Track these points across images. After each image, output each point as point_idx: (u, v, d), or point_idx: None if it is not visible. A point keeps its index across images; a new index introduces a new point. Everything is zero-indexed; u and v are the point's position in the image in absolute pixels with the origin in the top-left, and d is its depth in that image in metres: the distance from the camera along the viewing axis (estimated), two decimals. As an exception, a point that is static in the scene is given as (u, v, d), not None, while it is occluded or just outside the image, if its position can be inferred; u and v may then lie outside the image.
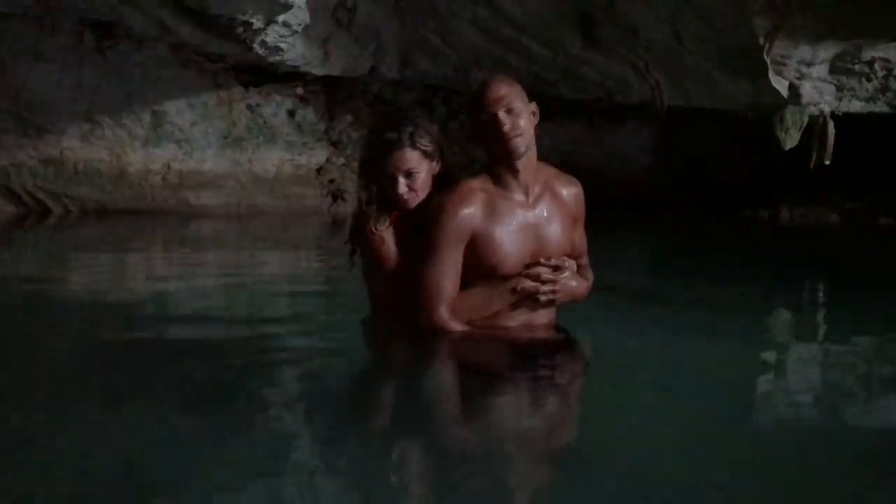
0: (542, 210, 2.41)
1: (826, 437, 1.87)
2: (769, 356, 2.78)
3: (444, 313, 2.35)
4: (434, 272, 2.34)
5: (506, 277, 2.38)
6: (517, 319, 2.43)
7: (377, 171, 2.45)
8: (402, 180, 2.41)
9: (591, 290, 2.56)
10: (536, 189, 2.41)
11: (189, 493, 1.49)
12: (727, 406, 2.11)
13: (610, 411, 2.03)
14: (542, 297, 2.39)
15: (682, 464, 1.64)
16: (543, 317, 2.47)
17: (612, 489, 1.51)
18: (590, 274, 2.57)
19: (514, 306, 2.41)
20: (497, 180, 2.38)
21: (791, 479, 1.58)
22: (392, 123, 2.48)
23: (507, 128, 2.29)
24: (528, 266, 2.40)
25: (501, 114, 2.30)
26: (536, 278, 2.38)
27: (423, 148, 2.43)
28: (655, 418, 1.94)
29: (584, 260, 2.58)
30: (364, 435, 1.83)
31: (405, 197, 2.43)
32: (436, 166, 2.49)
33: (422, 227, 2.40)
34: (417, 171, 2.42)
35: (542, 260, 2.39)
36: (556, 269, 2.39)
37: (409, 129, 2.44)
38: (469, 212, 2.34)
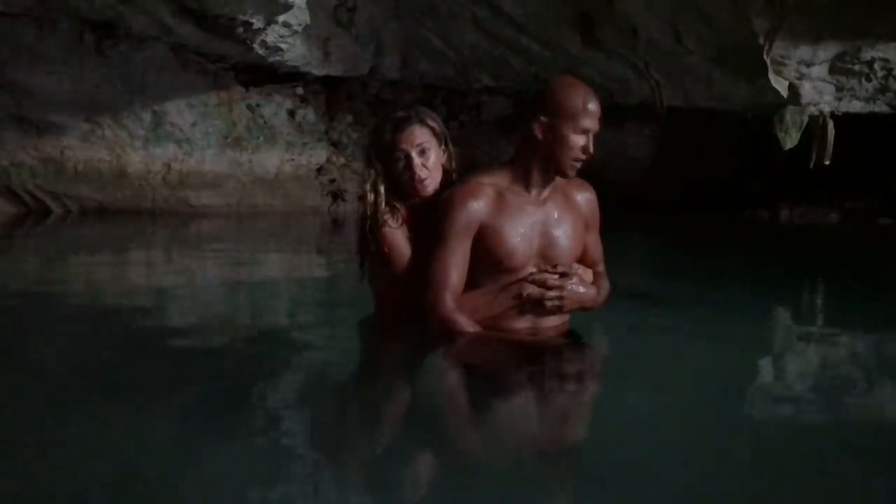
0: (552, 210, 2.41)
1: (827, 435, 1.87)
2: (769, 355, 2.79)
3: (448, 302, 2.34)
4: (441, 262, 2.34)
5: (512, 273, 2.37)
6: (524, 323, 2.42)
7: (389, 154, 2.44)
8: (416, 158, 2.42)
9: (607, 299, 2.52)
10: (548, 189, 2.41)
11: (189, 493, 1.49)
12: (727, 406, 2.11)
13: (610, 411, 2.03)
14: (548, 304, 2.38)
15: (683, 463, 1.65)
16: (553, 321, 2.45)
17: (612, 489, 1.51)
18: (605, 283, 2.53)
19: (521, 311, 2.40)
20: (509, 177, 2.39)
21: (792, 478, 1.59)
22: (399, 108, 2.56)
23: None
24: (535, 272, 2.39)
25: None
26: (542, 284, 2.37)
27: (431, 125, 2.48)
28: (656, 418, 1.94)
29: (600, 268, 2.55)
30: (365, 436, 1.83)
31: (421, 176, 2.43)
32: (443, 154, 2.50)
33: (431, 223, 2.39)
34: (429, 147, 2.45)
35: (549, 267, 2.38)
36: (564, 275, 2.38)
37: (416, 108, 2.52)
38: (478, 205, 2.34)
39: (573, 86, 2.36)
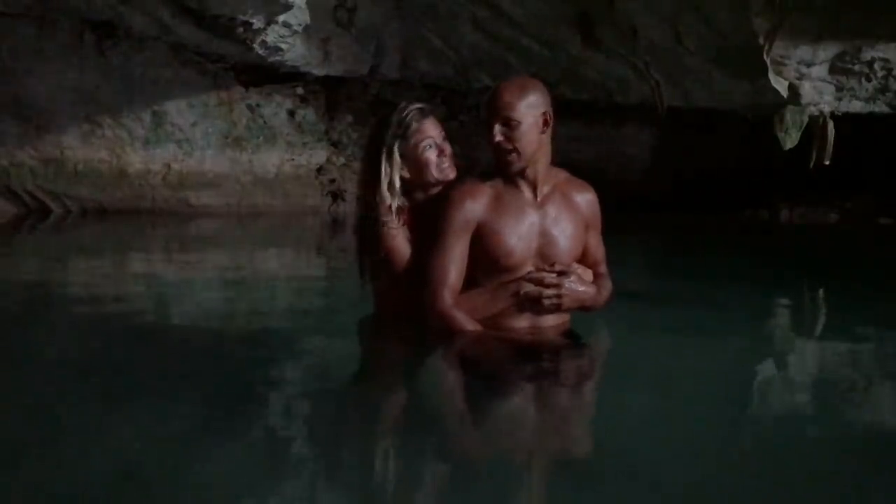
0: (551, 210, 2.41)
1: (827, 435, 1.87)
2: (769, 356, 2.78)
3: (447, 299, 2.35)
4: (439, 260, 2.35)
5: (510, 272, 2.38)
6: (523, 322, 2.42)
7: (418, 142, 2.44)
8: (442, 145, 2.45)
9: (609, 300, 2.51)
10: (546, 190, 2.41)
11: (189, 493, 1.49)
12: (728, 406, 2.11)
13: (610, 411, 2.04)
14: (546, 302, 2.37)
15: (683, 464, 1.65)
16: (552, 320, 2.45)
17: (612, 489, 1.51)
18: (607, 283, 2.52)
19: (519, 309, 2.40)
20: (506, 179, 2.40)
21: (792, 478, 1.58)
22: (409, 102, 2.55)
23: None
24: (533, 271, 2.39)
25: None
26: (540, 283, 2.37)
27: (440, 121, 2.51)
28: (656, 418, 1.94)
29: (602, 269, 2.54)
30: (365, 436, 1.83)
31: (444, 163, 2.45)
32: None
33: (430, 222, 2.40)
34: (446, 139, 2.48)
35: (546, 266, 2.38)
36: (562, 274, 2.38)
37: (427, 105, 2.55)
38: (475, 203, 2.36)
39: (499, 83, 2.40)
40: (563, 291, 2.37)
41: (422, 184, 2.48)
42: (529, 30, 6.86)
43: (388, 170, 2.44)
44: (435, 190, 2.49)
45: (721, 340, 2.83)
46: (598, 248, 2.55)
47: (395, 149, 2.44)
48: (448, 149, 2.48)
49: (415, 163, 2.45)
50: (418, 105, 2.51)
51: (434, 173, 2.45)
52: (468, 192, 2.38)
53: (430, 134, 2.44)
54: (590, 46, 6.76)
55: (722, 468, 1.64)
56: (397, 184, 2.44)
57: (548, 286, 2.37)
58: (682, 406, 2.05)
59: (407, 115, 2.46)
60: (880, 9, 5.70)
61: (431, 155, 2.44)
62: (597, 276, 2.50)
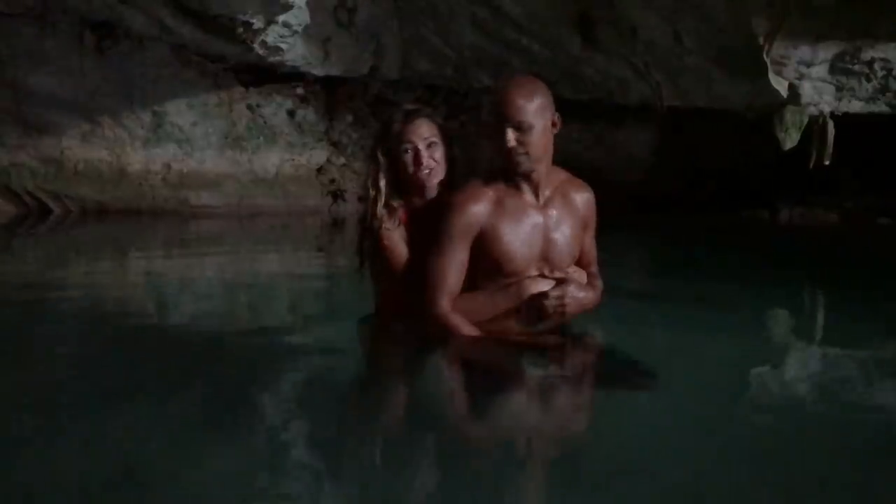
0: (553, 212, 2.41)
1: (826, 434, 1.87)
2: (769, 355, 2.79)
3: (444, 304, 2.36)
4: (438, 265, 2.36)
5: (512, 276, 2.38)
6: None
7: (398, 145, 2.44)
8: (424, 150, 2.43)
9: (601, 297, 2.53)
10: (548, 192, 2.41)
11: (189, 492, 1.50)
12: (728, 405, 2.11)
13: (609, 410, 2.04)
14: (550, 311, 2.37)
15: (683, 462, 1.65)
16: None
17: (612, 488, 1.52)
18: (599, 282, 2.54)
19: (525, 323, 2.40)
20: (508, 182, 2.39)
21: (792, 477, 1.59)
22: (406, 103, 2.56)
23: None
24: (532, 277, 2.38)
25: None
26: (542, 298, 2.36)
27: (438, 122, 2.50)
28: (656, 418, 1.94)
29: (594, 268, 2.56)
30: (364, 435, 1.84)
31: (428, 169, 2.44)
32: (445, 153, 2.51)
33: (431, 226, 2.40)
34: (436, 142, 2.46)
35: (545, 272, 2.39)
36: (562, 282, 2.38)
37: (423, 106, 2.56)
38: (477, 208, 2.35)
39: (505, 82, 2.37)
40: (566, 300, 2.37)
41: (412, 186, 2.48)
42: (529, 30, 6.87)
43: (374, 169, 2.48)
44: (430, 193, 2.49)
45: (720, 340, 2.83)
46: (592, 248, 2.57)
47: (378, 149, 2.48)
48: (432, 155, 2.45)
49: (395, 164, 2.47)
50: (410, 107, 2.53)
51: (410, 176, 2.46)
52: (470, 197, 2.37)
53: (409, 138, 2.44)
54: (589, 47, 6.76)
55: (722, 467, 1.64)
56: (381, 183, 2.46)
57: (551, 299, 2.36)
58: (681, 405, 2.04)
59: (394, 116, 2.49)
60: (880, 9, 5.70)
61: (407, 158, 2.45)
62: (589, 275, 2.53)
